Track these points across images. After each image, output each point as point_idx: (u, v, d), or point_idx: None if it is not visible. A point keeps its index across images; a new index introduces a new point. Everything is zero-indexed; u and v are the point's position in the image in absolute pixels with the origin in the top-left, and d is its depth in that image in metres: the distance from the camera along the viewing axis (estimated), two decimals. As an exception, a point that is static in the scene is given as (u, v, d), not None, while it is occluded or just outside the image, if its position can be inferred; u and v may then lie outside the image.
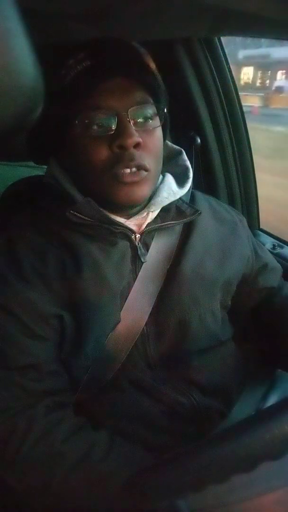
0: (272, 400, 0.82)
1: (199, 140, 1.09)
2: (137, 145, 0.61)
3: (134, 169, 0.62)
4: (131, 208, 0.68)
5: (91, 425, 0.65)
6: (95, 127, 0.61)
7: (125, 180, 0.62)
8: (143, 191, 0.65)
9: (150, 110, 0.64)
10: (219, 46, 1.09)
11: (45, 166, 0.87)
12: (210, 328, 0.73)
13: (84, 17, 0.62)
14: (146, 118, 0.63)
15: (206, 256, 0.74)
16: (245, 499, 0.41)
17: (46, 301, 0.65)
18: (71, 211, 0.63)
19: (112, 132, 0.61)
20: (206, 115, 1.12)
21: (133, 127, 0.61)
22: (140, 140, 0.61)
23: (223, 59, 1.09)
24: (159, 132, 0.66)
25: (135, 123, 0.62)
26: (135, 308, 0.70)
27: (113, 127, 0.61)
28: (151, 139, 0.64)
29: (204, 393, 0.72)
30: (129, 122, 0.61)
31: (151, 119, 0.64)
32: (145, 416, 0.69)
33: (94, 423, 0.65)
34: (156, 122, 0.65)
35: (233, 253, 0.78)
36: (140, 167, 0.63)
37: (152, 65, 0.66)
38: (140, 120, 0.63)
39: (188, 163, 0.76)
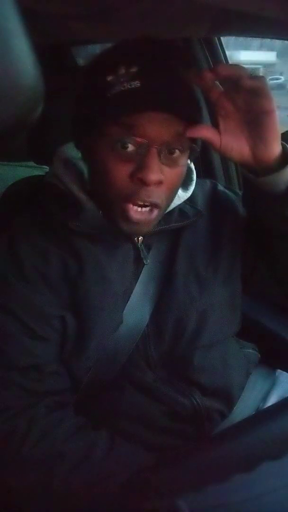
0: (272, 400, 0.82)
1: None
2: (158, 183, 0.58)
3: (146, 208, 0.60)
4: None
5: (91, 425, 0.65)
6: (122, 148, 0.57)
7: (132, 218, 0.60)
8: (148, 227, 0.63)
9: (183, 145, 0.60)
10: (219, 46, 1.09)
11: (45, 166, 0.86)
12: (211, 323, 0.73)
13: (84, 17, 0.62)
14: (176, 154, 0.60)
15: (200, 253, 0.73)
16: (246, 499, 0.41)
17: (47, 302, 0.65)
18: (74, 222, 0.62)
19: (138, 160, 0.58)
20: (206, 115, 1.12)
21: (160, 162, 0.58)
22: (162, 178, 0.58)
23: (223, 59, 1.10)
24: (183, 168, 0.63)
25: (164, 157, 0.59)
26: (137, 309, 0.70)
27: (141, 155, 0.57)
28: (174, 175, 0.61)
29: (205, 393, 0.72)
30: (158, 157, 0.58)
31: (181, 155, 0.61)
32: (145, 416, 0.69)
33: (94, 423, 0.65)
34: (185, 158, 0.62)
35: (229, 238, 0.75)
36: (153, 205, 0.60)
37: (200, 97, 0.62)
38: (169, 154, 0.59)
39: (191, 164, 0.75)
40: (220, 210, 0.77)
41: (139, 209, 0.60)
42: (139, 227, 0.62)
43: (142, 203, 0.59)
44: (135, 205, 0.59)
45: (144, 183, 0.57)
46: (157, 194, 0.59)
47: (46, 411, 0.63)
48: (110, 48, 0.62)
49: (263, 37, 0.86)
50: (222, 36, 1.07)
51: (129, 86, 0.55)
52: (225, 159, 1.17)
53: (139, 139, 0.57)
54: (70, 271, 0.66)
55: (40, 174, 1.01)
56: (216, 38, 1.08)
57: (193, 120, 0.60)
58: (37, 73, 0.22)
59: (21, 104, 0.22)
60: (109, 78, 0.56)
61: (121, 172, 0.58)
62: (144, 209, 0.60)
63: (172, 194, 0.64)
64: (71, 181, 0.67)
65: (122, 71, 0.56)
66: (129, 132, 0.57)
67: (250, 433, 0.45)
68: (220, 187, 0.82)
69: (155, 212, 0.61)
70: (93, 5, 0.57)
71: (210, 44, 1.07)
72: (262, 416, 0.51)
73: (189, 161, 0.75)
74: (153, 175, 0.57)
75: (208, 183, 0.82)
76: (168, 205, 0.66)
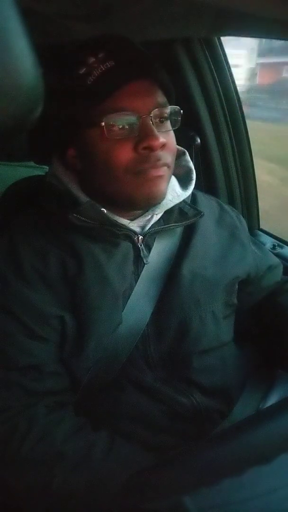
0: (272, 400, 0.82)
1: (199, 140, 1.09)
2: (163, 146, 0.62)
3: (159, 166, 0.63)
4: (147, 207, 0.69)
5: (91, 425, 0.65)
6: (118, 129, 0.60)
7: (149, 176, 0.63)
8: (164, 186, 0.66)
9: (168, 111, 0.64)
10: (219, 46, 1.09)
11: (46, 166, 0.86)
12: (211, 329, 0.73)
13: (84, 17, 0.62)
14: (165, 119, 0.64)
15: (207, 258, 0.74)
16: (246, 499, 0.41)
17: (47, 302, 0.65)
18: (74, 214, 0.63)
19: (136, 134, 0.60)
20: (206, 115, 1.12)
21: (156, 129, 0.61)
22: (165, 141, 0.62)
23: (223, 59, 1.10)
24: (173, 132, 0.67)
25: (157, 125, 0.62)
26: (137, 309, 0.70)
27: (137, 129, 0.60)
28: (170, 138, 0.65)
29: (205, 393, 0.72)
30: (153, 124, 0.61)
31: (169, 119, 0.65)
32: (145, 416, 0.69)
33: (94, 423, 0.65)
34: (169, 122, 0.66)
35: (233, 255, 0.77)
36: (165, 166, 0.64)
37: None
38: (159, 121, 0.63)
39: (191, 164, 0.76)
40: (227, 228, 0.80)
41: (155, 168, 0.63)
42: (157, 184, 0.64)
43: (156, 167, 0.62)
44: (150, 168, 0.62)
45: (150, 149, 0.60)
46: (164, 156, 0.63)
47: (46, 411, 0.63)
48: (68, 51, 0.65)
49: (263, 37, 0.85)
50: (222, 36, 1.07)
51: (105, 68, 0.58)
52: (225, 160, 1.17)
53: (129, 112, 0.60)
54: (69, 271, 0.66)
55: (40, 174, 1.01)
56: (216, 38, 1.07)
57: (168, 87, 0.65)
58: (37, 73, 0.22)
59: (21, 104, 0.22)
60: (82, 71, 0.59)
61: (125, 149, 0.61)
62: (160, 168, 0.63)
63: (174, 157, 0.68)
64: (70, 181, 0.68)
65: (92, 59, 0.59)
66: (120, 111, 0.60)
67: (250, 432, 0.45)
68: (227, 207, 0.85)
69: (167, 169, 0.65)
70: (93, 5, 0.57)
71: (210, 44, 1.07)
72: (262, 416, 0.51)
73: (189, 160, 0.76)
74: (157, 140, 0.60)
75: (214, 201, 0.85)
76: (173, 170, 0.69)
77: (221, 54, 1.09)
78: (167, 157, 0.64)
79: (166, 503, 0.43)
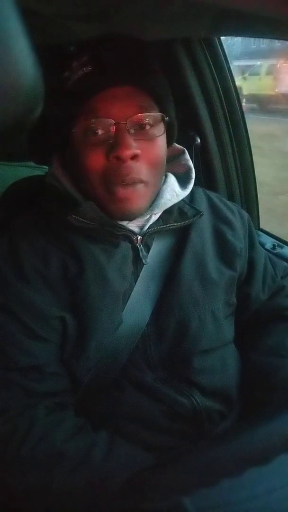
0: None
1: (199, 140, 1.09)
2: (134, 157, 0.59)
3: (128, 183, 0.61)
4: (123, 220, 0.68)
5: (91, 425, 0.65)
6: (92, 135, 0.60)
7: (118, 197, 0.62)
8: (138, 205, 0.64)
9: (153, 117, 0.62)
10: (219, 46, 1.09)
11: (45, 166, 0.87)
12: (211, 329, 0.73)
13: (84, 17, 0.62)
14: (147, 126, 0.61)
15: (206, 256, 0.74)
16: (246, 499, 0.41)
17: (47, 302, 0.65)
18: (72, 216, 0.63)
19: (111, 141, 0.60)
20: (206, 115, 1.12)
21: (132, 137, 0.59)
22: (138, 152, 0.59)
23: (223, 59, 1.10)
24: (161, 140, 0.64)
25: (135, 132, 0.60)
26: (137, 309, 0.70)
27: (112, 136, 0.59)
28: (151, 148, 0.62)
29: (205, 393, 0.72)
30: (128, 132, 0.59)
31: (153, 126, 0.62)
32: (145, 416, 0.69)
33: (94, 423, 0.65)
34: (159, 129, 0.63)
35: (232, 251, 0.77)
36: (136, 181, 0.61)
37: (157, 67, 0.65)
38: (140, 129, 0.61)
39: (190, 163, 0.76)
40: (226, 223, 0.78)
41: (123, 183, 0.61)
42: (127, 205, 0.63)
43: (125, 183, 0.60)
44: (119, 185, 0.61)
45: (119, 160, 0.59)
46: (136, 170, 0.60)
47: (46, 412, 0.62)
48: (61, 53, 0.65)
49: (263, 37, 0.86)
50: (222, 36, 1.07)
51: (82, 73, 0.58)
52: (225, 160, 1.17)
53: (104, 119, 0.59)
54: (69, 271, 0.66)
55: (40, 174, 1.01)
56: (216, 38, 1.08)
57: (156, 91, 0.62)
58: (37, 73, 0.22)
59: (21, 104, 0.22)
60: (65, 74, 0.60)
61: (97, 156, 0.60)
62: (127, 183, 0.61)
63: (157, 169, 0.65)
64: (68, 182, 0.68)
65: (75, 63, 0.59)
66: (94, 117, 0.59)
67: (250, 433, 0.45)
68: (228, 203, 0.84)
69: (140, 186, 0.62)
70: (93, 5, 0.57)
71: (210, 44, 1.07)
72: (262, 416, 0.51)
73: (188, 158, 0.76)
74: (126, 151, 0.58)
75: (214, 196, 0.84)
76: (158, 182, 0.67)
77: (221, 54, 1.09)
78: (141, 170, 0.61)
79: (166, 503, 0.43)
